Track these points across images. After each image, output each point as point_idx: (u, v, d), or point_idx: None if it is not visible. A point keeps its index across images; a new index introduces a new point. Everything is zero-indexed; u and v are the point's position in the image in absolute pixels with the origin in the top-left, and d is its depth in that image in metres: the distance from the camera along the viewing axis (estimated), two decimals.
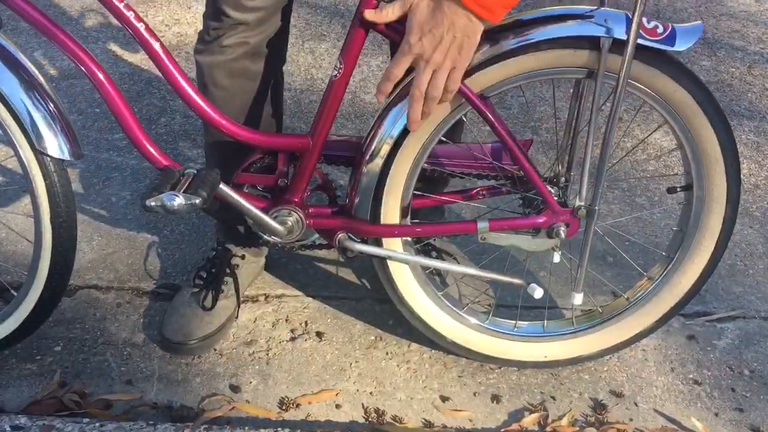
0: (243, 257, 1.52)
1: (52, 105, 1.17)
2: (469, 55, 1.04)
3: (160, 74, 2.07)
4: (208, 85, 1.33)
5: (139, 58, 2.34)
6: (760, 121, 2.23)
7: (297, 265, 1.65)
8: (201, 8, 2.59)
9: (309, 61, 2.39)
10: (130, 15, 1.11)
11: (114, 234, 1.70)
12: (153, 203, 1.04)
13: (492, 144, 1.28)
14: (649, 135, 2.08)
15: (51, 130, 1.14)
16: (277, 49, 1.32)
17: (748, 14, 2.85)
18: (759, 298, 1.64)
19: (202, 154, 1.96)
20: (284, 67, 1.40)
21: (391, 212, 1.22)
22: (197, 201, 1.04)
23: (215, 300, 1.46)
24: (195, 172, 1.11)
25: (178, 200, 1.04)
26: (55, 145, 1.14)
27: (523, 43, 1.09)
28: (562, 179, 1.28)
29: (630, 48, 1.05)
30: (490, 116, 1.13)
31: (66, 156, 1.15)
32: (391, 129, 1.16)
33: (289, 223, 1.22)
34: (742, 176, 1.99)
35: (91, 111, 2.08)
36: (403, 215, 1.24)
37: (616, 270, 1.67)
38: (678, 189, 1.27)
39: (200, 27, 1.32)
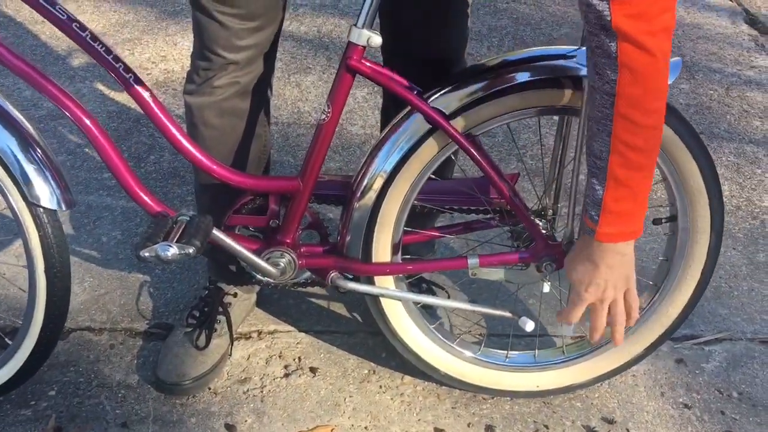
0: (235, 295, 1.53)
1: (42, 154, 1.18)
2: (632, 273, 1.12)
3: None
4: (198, 125, 1.35)
5: (127, 97, 2.35)
6: (739, 143, 2.28)
7: (289, 300, 1.66)
8: (187, 45, 2.62)
9: (295, 95, 2.42)
10: (119, 66, 1.13)
11: (106, 275, 1.71)
12: (147, 254, 1.05)
13: (480, 178, 1.30)
14: None
15: (43, 180, 1.15)
16: (264, 86, 1.35)
17: (724, 36, 2.91)
18: (744, 320, 1.67)
19: (192, 191, 1.98)
20: (271, 102, 1.43)
21: (382, 250, 1.24)
22: (191, 251, 1.06)
23: (208, 339, 1.47)
24: (188, 219, 1.13)
25: (172, 250, 1.05)
26: (47, 197, 1.15)
27: (508, 84, 1.12)
28: (550, 212, 1.31)
29: None
30: (477, 155, 1.15)
31: (59, 207, 1.17)
32: (381, 167, 1.18)
33: (282, 265, 1.24)
34: (724, 198, 2.03)
35: (80, 151, 2.09)
36: (394, 252, 1.27)
37: None
38: (663, 220, 1.30)
39: (187, 64, 1.35)
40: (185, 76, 1.36)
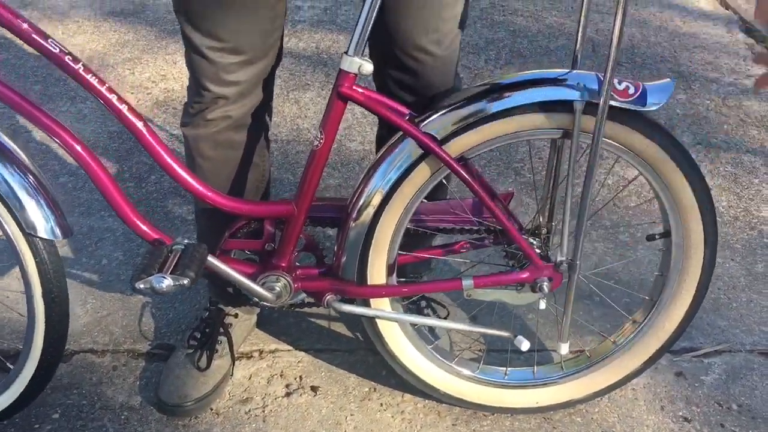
0: (236, 316, 1.54)
1: (36, 183, 1.19)
2: None
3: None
4: (194, 156, 1.36)
5: None
6: (736, 152, 2.28)
7: (289, 319, 1.68)
8: None
9: (294, 112, 2.44)
10: (113, 98, 1.14)
11: (108, 296, 1.72)
12: (142, 286, 1.07)
13: (473, 199, 1.32)
14: (624, 188, 2.11)
15: (39, 211, 1.17)
16: (260, 118, 1.36)
17: (721, 45, 2.92)
18: (743, 331, 1.67)
19: (192, 211, 2.00)
20: (272, 119, 1.44)
21: (377, 272, 1.25)
22: (185, 282, 1.07)
23: (210, 360, 1.48)
24: (183, 247, 1.14)
25: (167, 282, 1.07)
26: (43, 226, 1.17)
27: (500, 108, 1.13)
28: (544, 230, 1.32)
29: (602, 113, 1.09)
30: (468, 178, 1.17)
31: (55, 236, 1.18)
32: (374, 192, 1.20)
33: (277, 289, 1.25)
34: (722, 209, 2.05)
35: (81, 172, 2.11)
36: (389, 273, 1.28)
37: (602, 310, 1.70)
38: (657, 236, 1.31)
39: (186, 82, 1.36)
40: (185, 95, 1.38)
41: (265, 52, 1.27)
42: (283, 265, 1.26)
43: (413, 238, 1.36)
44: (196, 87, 1.29)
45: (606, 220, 1.99)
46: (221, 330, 1.51)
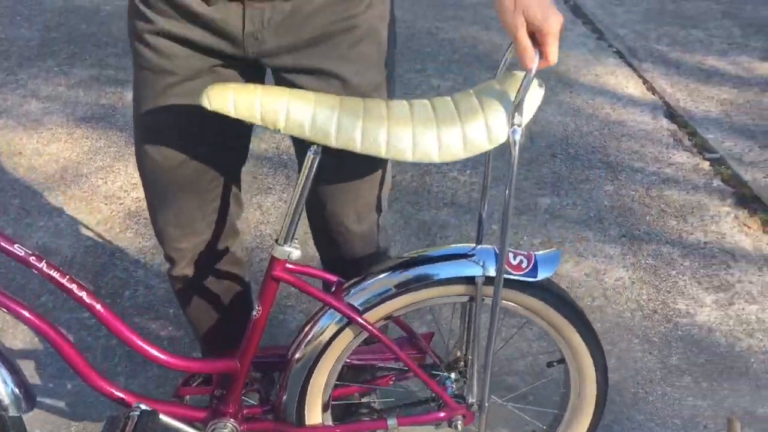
0: None
1: (4, 361, 1.31)
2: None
3: (122, 247, 2.31)
4: (179, 298, 1.60)
5: (102, 229, 2.57)
6: (657, 244, 2.55)
7: None
8: None
9: (258, 217, 2.65)
10: (73, 287, 1.31)
11: (89, 421, 1.90)
12: None
13: (399, 338, 1.54)
14: (515, 334, 2.30)
15: (6, 390, 1.30)
16: (228, 262, 1.58)
17: (646, 133, 3.22)
18: (658, 425, 1.90)
19: (166, 325, 2.19)
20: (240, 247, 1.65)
21: (313, 412, 1.45)
22: None
23: None
24: (138, 413, 1.34)
25: None
26: (14, 405, 1.30)
27: (414, 282, 1.35)
28: (461, 363, 1.53)
29: (497, 287, 1.29)
30: (386, 341, 1.38)
31: (24, 411, 1.32)
32: (306, 351, 1.39)
33: None
34: (642, 302, 2.29)
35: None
36: (324, 409, 1.48)
37: (521, 429, 1.92)
38: (555, 363, 1.53)
39: None
40: None
41: (206, 227, 1.49)
42: (231, 411, 1.44)
43: (350, 373, 1.56)
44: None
45: (514, 350, 2.16)
46: None
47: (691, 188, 2.84)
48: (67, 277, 1.32)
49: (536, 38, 1.13)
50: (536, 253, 1.39)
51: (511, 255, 1.35)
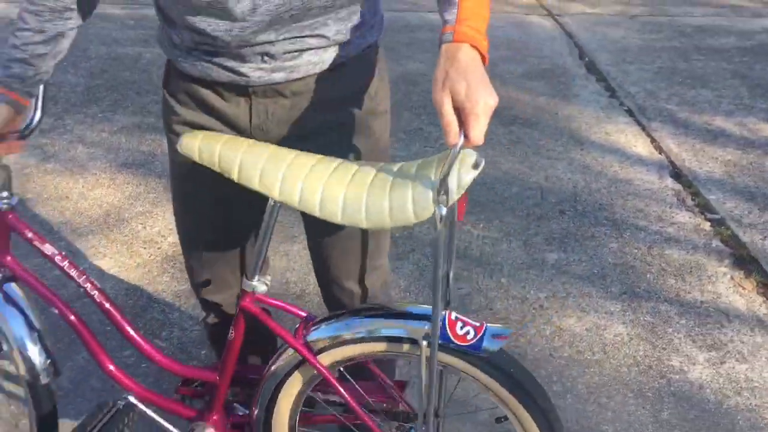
0: None
1: (36, 333, 1.61)
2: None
3: (159, 290, 2.52)
4: (211, 341, 1.82)
5: (141, 272, 2.79)
6: (656, 302, 2.72)
7: None
8: None
9: (284, 264, 2.86)
10: (87, 286, 1.54)
11: None
12: None
13: (374, 382, 1.62)
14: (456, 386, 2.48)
15: (40, 359, 1.59)
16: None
17: (651, 192, 3.40)
18: None
19: (198, 364, 2.39)
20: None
21: None
22: None
23: None
24: (124, 404, 1.57)
25: None
26: (45, 373, 1.58)
27: (365, 334, 1.43)
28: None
29: (432, 356, 1.34)
30: (332, 383, 1.46)
31: (52, 379, 1.59)
32: (269, 386, 1.51)
33: None
34: (639, 358, 2.46)
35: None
36: None
37: None
38: (503, 419, 1.55)
39: None
40: None
41: (238, 279, 1.69)
42: (213, 417, 1.63)
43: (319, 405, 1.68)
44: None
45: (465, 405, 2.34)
46: None
47: (691, 248, 3.01)
48: (84, 276, 1.55)
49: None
50: (489, 325, 1.38)
51: (459, 324, 1.37)
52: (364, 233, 1.59)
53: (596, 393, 2.30)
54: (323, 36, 1.38)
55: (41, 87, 1.50)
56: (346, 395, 1.48)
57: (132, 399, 1.58)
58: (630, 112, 4.15)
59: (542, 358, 2.44)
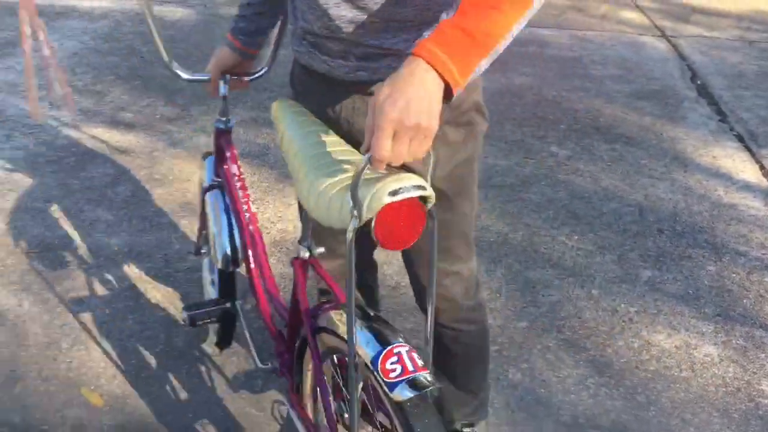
0: None
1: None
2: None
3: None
4: None
5: None
6: (750, 327, 2.69)
7: None
8: None
9: (382, 258, 3.01)
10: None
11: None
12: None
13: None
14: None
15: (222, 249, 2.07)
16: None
17: (755, 218, 3.34)
18: None
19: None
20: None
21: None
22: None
23: None
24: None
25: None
26: (224, 262, 2.09)
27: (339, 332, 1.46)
28: None
29: (350, 374, 1.30)
30: (316, 361, 1.55)
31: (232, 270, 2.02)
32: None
33: None
34: (728, 379, 2.46)
35: None
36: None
37: None
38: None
39: (299, 224, 1.95)
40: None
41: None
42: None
43: None
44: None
45: None
46: None
47: None
48: (246, 199, 1.92)
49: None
50: (423, 373, 1.27)
51: (393, 359, 1.28)
52: (430, 239, 1.62)
53: (680, 408, 2.32)
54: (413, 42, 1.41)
55: (271, 43, 1.83)
56: (318, 370, 1.55)
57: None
58: (740, 138, 4.07)
59: (627, 369, 2.47)
